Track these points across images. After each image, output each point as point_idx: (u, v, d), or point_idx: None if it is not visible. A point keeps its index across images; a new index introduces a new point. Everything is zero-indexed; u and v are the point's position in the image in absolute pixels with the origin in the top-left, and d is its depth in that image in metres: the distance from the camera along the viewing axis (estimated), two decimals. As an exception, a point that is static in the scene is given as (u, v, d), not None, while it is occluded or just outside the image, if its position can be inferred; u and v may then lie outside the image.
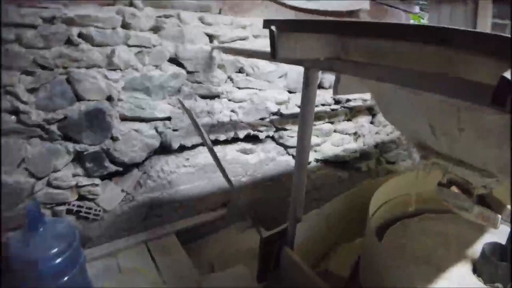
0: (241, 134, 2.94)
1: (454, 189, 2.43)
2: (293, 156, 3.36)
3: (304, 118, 1.75)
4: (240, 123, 2.91)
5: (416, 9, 4.30)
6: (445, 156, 1.83)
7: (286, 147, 3.29)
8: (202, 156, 2.77)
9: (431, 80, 1.15)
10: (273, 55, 1.39)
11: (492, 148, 1.52)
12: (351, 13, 3.58)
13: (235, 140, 2.96)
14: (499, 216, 2.30)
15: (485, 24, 3.55)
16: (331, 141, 3.64)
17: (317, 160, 3.61)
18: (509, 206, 2.34)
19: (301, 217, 1.98)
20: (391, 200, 2.77)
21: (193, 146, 2.75)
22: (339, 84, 1.61)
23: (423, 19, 5.87)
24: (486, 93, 1.04)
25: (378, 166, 4.22)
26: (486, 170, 1.73)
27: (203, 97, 2.72)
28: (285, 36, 1.38)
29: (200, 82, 2.66)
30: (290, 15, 3.24)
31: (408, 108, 1.63)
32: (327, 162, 3.68)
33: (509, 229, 2.43)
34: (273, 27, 1.37)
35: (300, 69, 1.74)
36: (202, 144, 2.77)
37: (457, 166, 1.83)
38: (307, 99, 1.71)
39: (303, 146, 1.82)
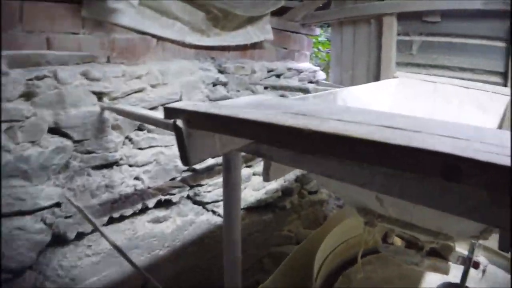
0: (151, 202, 2.59)
1: (398, 240, 2.35)
2: (213, 212, 3.09)
3: (230, 218, 1.48)
4: (148, 189, 2.56)
5: (317, 31, 4.30)
6: (393, 220, 1.68)
7: (204, 204, 3.01)
8: (107, 238, 2.37)
9: (402, 185, 0.95)
10: (184, 161, 1.10)
11: (449, 218, 1.40)
12: (254, 45, 3.42)
13: (144, 210, 2.59)
14: (450, 263, 2.28)
15: (390, 43, 3.62)
16: (252, 186, 3.43)
17: (239, 209, 3.37)
18: (457, 249, 2.32)
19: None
20: (330, 253, 2.63)
21: (95, 230, 2.34)
22: (271, 168, 1.37)
23: (320, 36, 5.99)
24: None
25: (301, 200, 4.10)
26: (441, 233, 1.61)
27: (99, 167, 2.33)
28: (199, 134, 1.10)
29: (92, 152, 2.28)
30: (190, 54, 2.99)
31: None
32: (250, 208, 3.46)
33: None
34: (179, 123, 1.08)
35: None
36: (105, 224, 2.38)
37: (406, 229, 1.70)
38: (231, 186, 1.44)
39: (231, 240, 1.55)
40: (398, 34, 3.64)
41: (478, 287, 2.37)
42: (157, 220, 2.68)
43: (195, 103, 1.15)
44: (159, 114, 1.96)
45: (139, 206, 2.54)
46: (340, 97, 2.09)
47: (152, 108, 2.56)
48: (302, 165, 1.16)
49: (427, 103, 2.77)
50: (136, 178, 2.51)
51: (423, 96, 2.78)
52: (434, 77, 2.87)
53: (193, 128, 1.08)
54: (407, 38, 3.62)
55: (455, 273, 2.38)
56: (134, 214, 2.55)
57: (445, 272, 2.39)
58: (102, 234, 2.00)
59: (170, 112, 1.12)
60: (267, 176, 1.38)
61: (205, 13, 2.95)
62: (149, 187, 2.57)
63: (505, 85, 3.15)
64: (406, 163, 0.76)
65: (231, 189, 1.45)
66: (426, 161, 0.73)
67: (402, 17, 3.55)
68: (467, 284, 2.28)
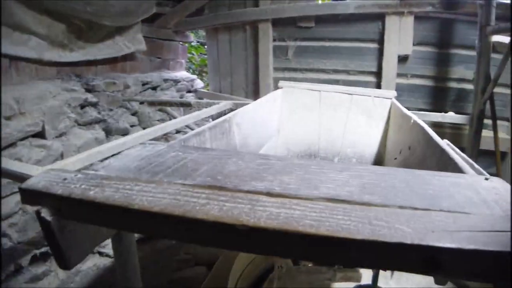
0: (24, 260, 2.16)
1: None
2: (100, 253, 2.73)
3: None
4: (18, 246, 2.12)
5: (191, 37, 4.11)
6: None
7: (89, 247, 2.62)
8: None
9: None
10: (62, 265, 0.78)
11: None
12: (125, 57, 3.11)
13: (19, 270, 2.15)
14: (361, 272, 2.34)
15: (267, 49, 3.63)
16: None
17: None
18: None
19: None
20: (240, 277, 2.50)
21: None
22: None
23: (192, 42, 5.82)
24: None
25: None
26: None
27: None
28: (75, 225, 0.81)
29: None
30: (52, 73, 2.59)
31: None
32: (140, 240, 3.15)
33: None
34: (45, 214, 0.75)
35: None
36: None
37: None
38: (126, 266, 1.21)
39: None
40: (274, 40, 3.67)
41: (388, 286, 2.47)
42: (36, 278, 2.25)
43: (66, 176, 0.81)
44: (18, 166, 1.51)
45: (11, 267, 2.09)
46: (234, 123, 1.99)
47: (9, 146, 2.13)
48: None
49: (315, 114, 2.79)
50: (4, 236, 2.05)
51: (310, 106, 2.81)
52: (318, 85, 2.91)
53: (67, 219, 0.78)
54: (283, 43, 3.67)
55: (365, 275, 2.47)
56: (8, 278, 2.10)
57: (358, 279, 2.46)
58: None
59: (30, 197, 0.78)
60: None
61: (66, 25, 2.57)
62: (19, 243, 2.13)
63: (378, 84, 3.37)
64: (375, 261, 0.63)
65: (125, 270, 1.21)
66: (397, 256, 0.61)
67: (278, 23, 3.59)
68: (378, 284, 2.36)
